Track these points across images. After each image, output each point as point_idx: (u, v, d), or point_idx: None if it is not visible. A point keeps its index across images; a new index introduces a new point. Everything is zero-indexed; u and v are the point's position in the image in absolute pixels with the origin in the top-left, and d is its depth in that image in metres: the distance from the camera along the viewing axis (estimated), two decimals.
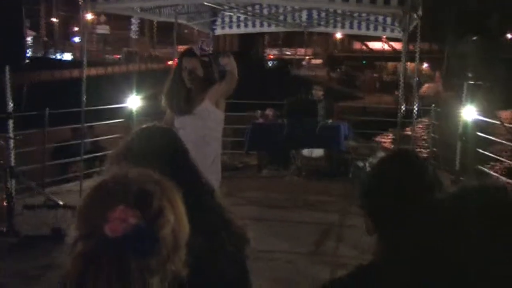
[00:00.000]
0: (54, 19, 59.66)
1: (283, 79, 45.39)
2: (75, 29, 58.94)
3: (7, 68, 6.55)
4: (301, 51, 67.15)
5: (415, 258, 1.29)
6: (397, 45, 67.54)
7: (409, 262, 1.33)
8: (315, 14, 11.00)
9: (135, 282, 1.18)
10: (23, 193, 7.54)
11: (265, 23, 11.51)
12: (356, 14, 10.53)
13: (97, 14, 49.31)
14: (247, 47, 47.65)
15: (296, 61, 64.57)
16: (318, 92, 10.84)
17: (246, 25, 11.59)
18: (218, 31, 11.82)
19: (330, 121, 10.16)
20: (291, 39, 61.06)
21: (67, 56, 50.72)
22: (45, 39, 57.15)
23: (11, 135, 6.63)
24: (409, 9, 6.97)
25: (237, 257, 2.00)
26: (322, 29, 11.84)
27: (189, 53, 4.68)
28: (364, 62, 66.37)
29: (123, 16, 55.74)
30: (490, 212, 1.21)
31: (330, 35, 58.88)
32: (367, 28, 10.79)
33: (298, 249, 6.57)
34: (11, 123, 6.64)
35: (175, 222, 1.31)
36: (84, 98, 7.24)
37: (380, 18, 10.39)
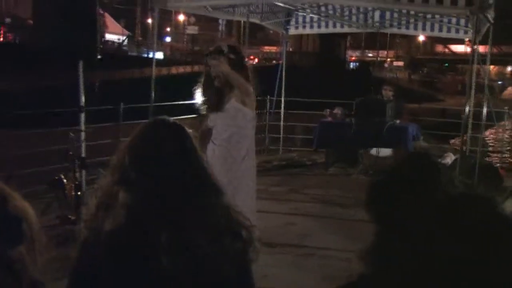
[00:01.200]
0: (149, 20, 61.12)
1: (363, 80, 44.73)
2: (168, 29, 60.23)
3: (80, 63, 6.64)
4: (384, 53, 66.13)
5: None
6: (481, 48, 65.28)
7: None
8: (387, 15, 10.66)
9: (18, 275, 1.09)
10: (94, 184, 7.62)
11: (338, 24, 11.26)
12: (429, 16, 10.13)
13: (187, 15, 50.12)
14: (329, 48, 47.17)
15: (378, 63, 63.54)
16: (387, 92, 10.52)
17: (319, 26, 11.38)
18: (292, 31, 11.68)
19: (398, 121, 9.82)
20: (373, 41, 60.05)
21: (159, 55, 51.84)
22: (140, 38, 58.65)
23: (83, 128, 6.71)
24: (477, 10, 6.60)
25: (241, 260, 1.86)
26: (394, 30, 11.48)
27: (215, 51, 4.64)
28: (447, 64, 64.56)
29: (212, 17, 56.44)
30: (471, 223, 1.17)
31: (413, 38, 57.55)
32: (440, 30, 10.37)
33: (355, 247, 6.33)
34: (82, 116, 6.71)
35: (23, 209, 1.20)
36: (153, 94, 7.27)
37: (453, 20, 9.97)
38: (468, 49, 58.14)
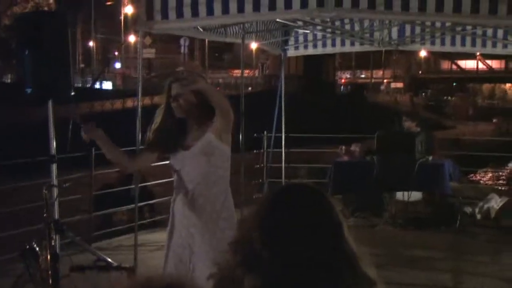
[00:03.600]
0: (91, 43, 61.14)
1: (358, 107, 45.11)
2: (116, 53, 60.29)
3: (50, 103, 6.47)
4: (379, 73, 66.94)
5: None
6: (495, 63, 66.66)
7: None
8: (408, 30, 10.71)
9: None
10: (68, 249, 7.44)
11: (347, 42, 11.27)
12: (459, 28, 10.18)
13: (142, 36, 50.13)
14: (315, 69, 47.56)
15: (373, 85, 64.25)
16: (409, 124, 10.54)
17: (324, 44, 11.36)
18: (291, 52, 11.65)
19: (430, 158, 9.81)
20: (366, 59, 60.91)
21: (107, 85, 51.69)
22: (82, 65, 58.46)
23: (55, 182, 6.50)
24: None
25: None
26: (416, 47, 11.53)
27: (176, 79, 4.49)
28: (455, 83, 65.47)
29: (170, 38, 56.74)
30: None
31: (413, 54, 58.35)
32: (473, 44, 10.42)
33: None
34: (54, 168, 6.50)
35: None
36: (140, 136, 7.08)
37: (489, 32, 10.02)
38: (480, 65, 59.12)
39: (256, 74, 61.71)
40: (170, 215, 4.67)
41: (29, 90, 6.50)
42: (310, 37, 11.30)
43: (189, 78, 4.40)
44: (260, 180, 11.69)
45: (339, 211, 1.81)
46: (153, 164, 10.04)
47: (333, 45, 11.33)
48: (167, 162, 4.82)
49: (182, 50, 56.32)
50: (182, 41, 52.26)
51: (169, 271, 4.51)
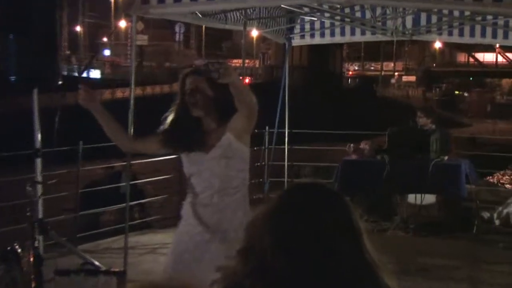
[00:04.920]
0: (78, 28, 61.11)
1: (367, 101, 45.13)
2: (105, 40, 60.17)
3: (35, 92, 6.46)
4: (389, 65, 66.87)
5: None
6: None
7: None
8: (423, 18, 10.68)
9: None
10: (52, 251, 7.44)
11: (357, 31, 11.24)
12: (479, 18, 10.16)
13: (132, 21, 50.03)
14: (321, 60, 47.51)
15: (383, 79, 64.22)
16: (423, 120, 10.51)
17: (332, 33, 11.33)
18: (296, 41, 11.61)
19: (446, 158, 9.80)
20: (375, 50, 60.87)
21: (95, 73, 51.63)
22: (67, 52, 58.39)
23: (39, 178, 6.48)
24: None
25: None
26: (432, 37, 11.51)
27: (191, 71, 4.34)
28: (471, 78, 65.47)
29: (164, 25, 56.73)
30: None
31: (427, 45, 58.32)
32: (494, 36, 10.40)
33: None
34: (39, 162, 6.49)
35: None
36: (132, 130, 7.02)
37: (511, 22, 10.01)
38: (500, 58, 59.06)
39: (257, 65, 61.62)
40: (182, 218, 4.54)
41: (13, 78, 6.49)
42: (317, 25, 11.28)
43: (221, 69, 3.93)
44: (261, 179, 11.68)
45: (358, 215, 1.79)
46: (144, 161, 10.14)
47: (342, 34, 11.29)
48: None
49: (177, 37, 56.31)
50: (177, 28, 52.29)
51: (172, 276, 4.45)
